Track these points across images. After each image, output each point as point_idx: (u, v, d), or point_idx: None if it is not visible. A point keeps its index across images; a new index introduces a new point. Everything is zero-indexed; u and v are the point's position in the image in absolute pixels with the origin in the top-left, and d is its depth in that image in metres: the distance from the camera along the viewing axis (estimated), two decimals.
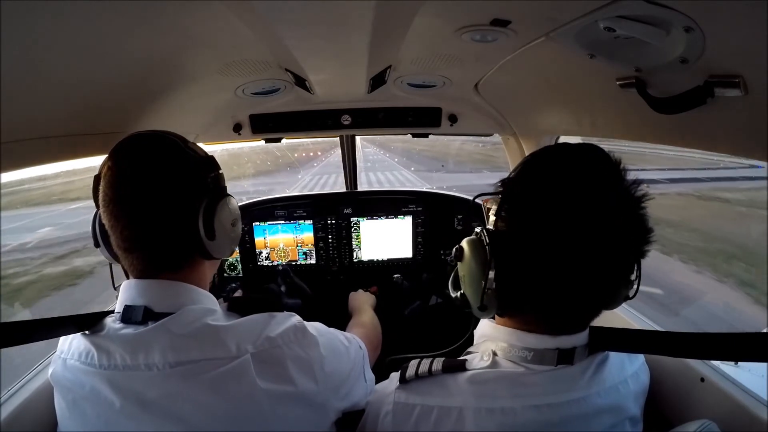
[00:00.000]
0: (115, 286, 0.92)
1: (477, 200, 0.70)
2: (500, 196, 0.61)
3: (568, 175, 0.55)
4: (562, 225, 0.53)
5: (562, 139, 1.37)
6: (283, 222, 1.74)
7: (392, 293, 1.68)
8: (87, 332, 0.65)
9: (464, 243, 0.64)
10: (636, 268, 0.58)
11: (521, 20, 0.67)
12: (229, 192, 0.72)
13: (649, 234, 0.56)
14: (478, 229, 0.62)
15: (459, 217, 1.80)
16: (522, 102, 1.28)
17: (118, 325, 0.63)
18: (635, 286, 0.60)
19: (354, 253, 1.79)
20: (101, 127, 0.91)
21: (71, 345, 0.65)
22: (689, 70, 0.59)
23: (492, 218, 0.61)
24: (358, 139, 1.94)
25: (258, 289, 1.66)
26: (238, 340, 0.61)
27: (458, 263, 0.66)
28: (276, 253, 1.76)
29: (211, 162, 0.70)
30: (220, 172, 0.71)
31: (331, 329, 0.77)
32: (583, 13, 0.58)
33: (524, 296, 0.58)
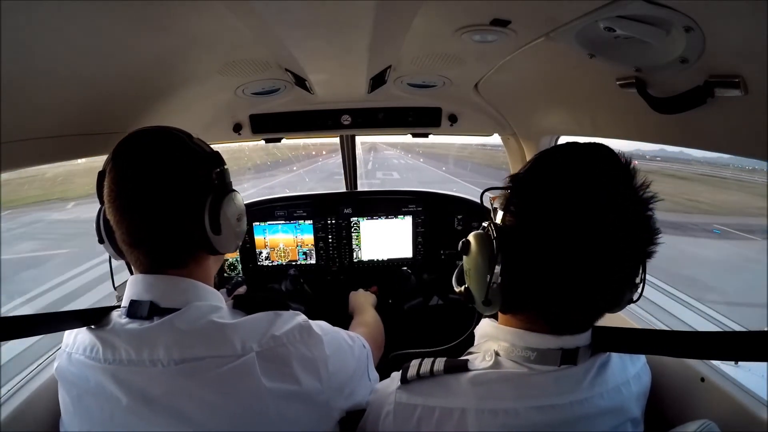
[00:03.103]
0: (116, 286, 0.92)
1: (485, 195, 0.70)
2: (509, 191, 0.60)
3: (577, 173, 0.55)
4: (569, 223, 0.53)
5: (563, 139, 1.37)
6: (283, 222, 1.74)
7: (396, 284, 1.68)
8: (92, 326, 0.65)
9: (471, 237, 0.64)
10: (641, 271, 0.58)
11: (521, 20, 0.67)
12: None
13: (656, 235, 0.56)
14: (485, 224, 0.62)
15: (459, 217, 1.80)
16: (522, 102, 1.28)
17: (124, 320, 0.63)
18: (639, 290, 0.59)
19: (354, 253, 1.79)
20: (101, 128, 0.91)
21: (76, 339, 0.65)
22: (689, 70, 0.59)
23: (500, 214, 0.61)
24: (360, 140, 1.93)
25: (260, 288, 1.66)
26: (244, 339, 0.60)
27: (464, 257, 0.66)
28: (276, 253, 1.76)
29: (216, 157, 0.70)
30: (226, 167, 0.71)
31: (335, 328, 0.77)
32: (583, 13, 0.58)
33: (529, 292, 0.58)
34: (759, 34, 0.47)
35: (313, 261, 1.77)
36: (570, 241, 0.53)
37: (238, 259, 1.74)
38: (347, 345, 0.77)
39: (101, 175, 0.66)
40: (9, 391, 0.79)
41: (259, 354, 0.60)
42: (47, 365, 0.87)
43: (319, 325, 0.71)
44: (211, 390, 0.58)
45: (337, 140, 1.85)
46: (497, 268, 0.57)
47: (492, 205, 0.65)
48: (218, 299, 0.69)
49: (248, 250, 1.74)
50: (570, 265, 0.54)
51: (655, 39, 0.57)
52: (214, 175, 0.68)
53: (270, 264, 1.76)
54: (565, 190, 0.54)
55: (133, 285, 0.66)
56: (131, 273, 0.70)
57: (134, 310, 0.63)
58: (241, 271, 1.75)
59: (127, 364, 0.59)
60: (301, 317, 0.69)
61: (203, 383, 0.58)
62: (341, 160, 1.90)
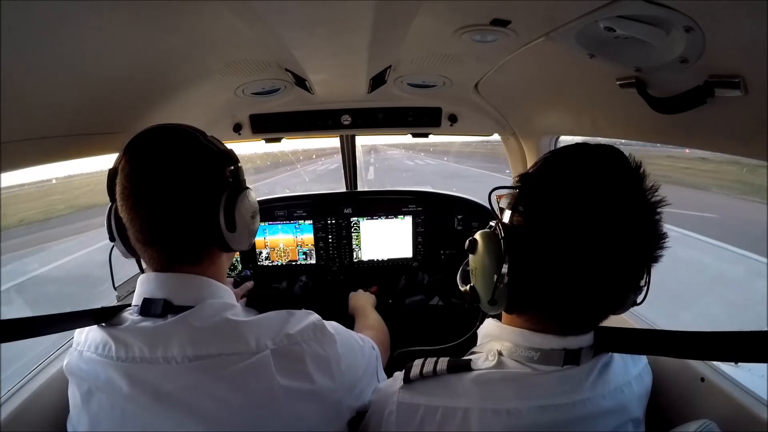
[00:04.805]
0: (116, 286, 0.92)
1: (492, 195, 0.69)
2: (517, 191, 0.60)
3: (587, 175, 0.55)
4: (577, 224, 0.53)
5: (562, 139, 1.37)
6: (283, 222, 1.74)
7: (404, 277, 1.69)
8: (104, 324, 0.65)
9: (478, 236, 0.64)
10: (646, 273, 0.58)
11: (521, 20, 0.67)
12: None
13: (663, 239, 0.56)
14: (492, 223, 0.62)
15: (459, 217, 1.80)
16: (522, 102, 1.28)
17: (137, 317, 0.63)
18: (644, 293, 0.59)
19: (354, 253, 1.79)
20: (101, 128, 0.91)
21: (87, 337, 0.65)
22: (689, 70, 0.59)
23: (507, 213, 0.61)
24: (360, 141, 1.92)
25: (263, 288, 1.66)
26: (258, 336, 0.61)
27: (470, 256, 0.66)
28: (276, 253, 1.76)
29: (230, 155, 0.70)
30: (239, 165, 0.72)
31: (347, 329, 0.78)
32: (583, 13, 0.58)
33: (535, 293, 0.58)
34: (759, 34, 0.47)
35: (313, 261, 1.77)
36: (572, 240, 0.53)
37: (238, 259, 1.74)
38: (358, 345, 0.77)
39: (112, 173, 0.66)
40: (12, 388, 0.79)
41: (274, 351, 0.60)
42: (49, 364, 0.87)
43: (332, 325, 0.72)
44: (225, 386, 0.58)
45: (321, 144, 1.84)
46: (504, 268, 0.57)
47: (499, 204, 0.65)
48: (231, 296, 0.69)
49: (248, 250, 1.74)
50: (573, 264, 0.54)
51: (655, 39, 0.57)
52: (228, 173, 0.68)
53: (270, 264, 1.76)
54: (568, 189, 0.55)
55: (146, 283, 0.66)
56: (141, 271, 0.70)
57: (148, 309, 0.63)
58: (241, 270, 1.75)
59: (140, 361, 0.59)
60: (315, 316, 0.69)
61: (218, 380, 0.58)
62: (341, 161, 1.90)
